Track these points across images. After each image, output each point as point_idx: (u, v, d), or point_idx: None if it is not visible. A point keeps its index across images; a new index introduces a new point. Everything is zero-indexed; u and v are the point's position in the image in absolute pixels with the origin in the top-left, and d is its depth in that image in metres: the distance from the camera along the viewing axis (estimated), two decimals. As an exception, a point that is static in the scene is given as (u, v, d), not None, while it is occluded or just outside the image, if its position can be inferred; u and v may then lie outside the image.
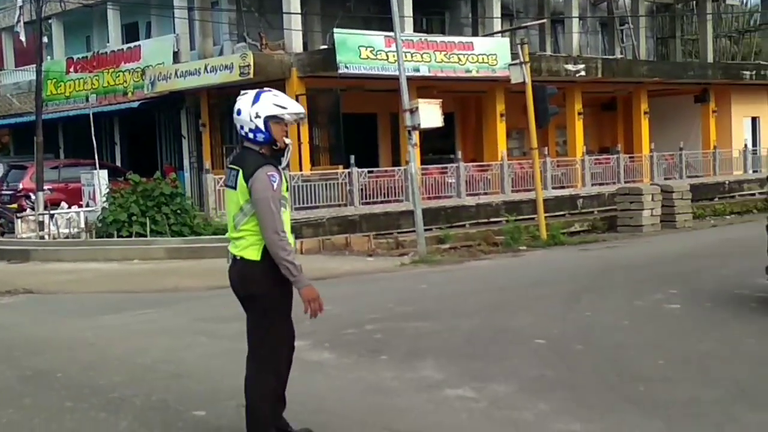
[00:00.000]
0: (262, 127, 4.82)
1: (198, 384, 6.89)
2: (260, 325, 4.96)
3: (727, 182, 28.75)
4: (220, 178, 19.21)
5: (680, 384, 6.66)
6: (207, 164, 21.45)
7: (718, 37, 33.86)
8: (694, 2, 33.87)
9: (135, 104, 24.94)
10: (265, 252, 4.81)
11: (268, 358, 4.97)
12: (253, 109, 4.82)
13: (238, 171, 4.84)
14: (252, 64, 20.38)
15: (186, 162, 25.35)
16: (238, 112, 4.88)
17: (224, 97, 23.68)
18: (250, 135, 4.86)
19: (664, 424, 5.69)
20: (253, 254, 4.84)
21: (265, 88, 5.01)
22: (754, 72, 30.76)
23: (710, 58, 31.35)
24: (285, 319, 5.01)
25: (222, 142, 24.33)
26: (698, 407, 6.02)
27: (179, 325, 9.68)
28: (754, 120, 32.68)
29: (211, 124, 24.39)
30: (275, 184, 4.75)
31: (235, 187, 4.85)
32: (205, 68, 21.99)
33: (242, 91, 5.01)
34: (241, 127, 4.88)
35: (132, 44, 26.26)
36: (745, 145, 31.10)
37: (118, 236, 17.81)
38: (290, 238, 4.92)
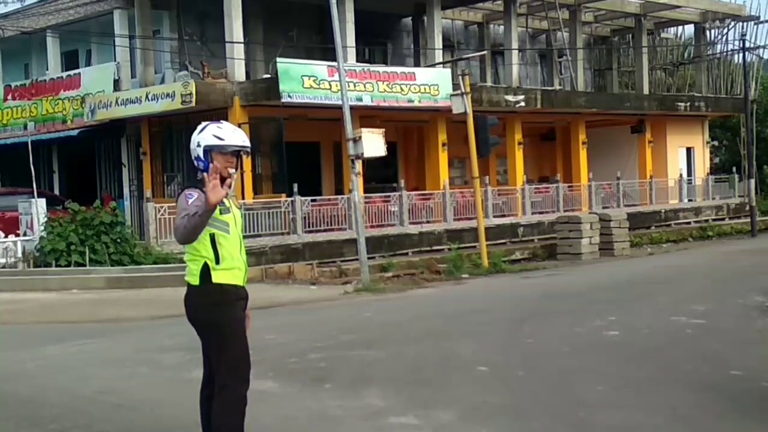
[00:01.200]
0: (201, 156, 4.97)
1: (139, 414, 6.81)
2: (216, 347, 5.00)
3: (663, 211, 29.37)
4: (161, 207, 19.07)
5: (619, 410, 6.78)
6: (148, 193, 21.26)
7: (653, 69, 34.67)
8: (630, 35, 34.70)
9: (74, 132, 24.62)
10: (202, 277, 4.89)
11: (227, 382, 4.97)
12: (195, 138, 5.01)
13: None
14: (194, 92, 20.31)
15: (126, 190, 25.08)
16: (191, 142, 5.04)
17: (166, 125, 23.58)
18: (195, 163, 5.02)
19: (604, 448, 5.79)
20: (193, 279, 4.94)
21: (218, 121, 5.14)
22: (688, 103, 31.55)
23: (646, 90, 32.08)
24: (238, 340, 5.01)
25: (163, 171, 24.15)
26: (637, 432, 6.14)
27: (120, 356, 9.55)
28: (688, 150, 33.49)
29: (152, 152, 24.19)
30: (190, 200, 4.78)
31: None
32: (147, 96, 21.85)
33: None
34: (195, 158, 5.03)
35: (72, 72, 25.96)
36: (681, 175, 31.83)
37: (57, 266, 17.51)
38: (242, 264, 5.01)
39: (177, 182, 23.36)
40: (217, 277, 4.89)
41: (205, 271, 4.88)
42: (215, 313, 4.90)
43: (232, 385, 4.96)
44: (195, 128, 5.08)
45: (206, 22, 24.06)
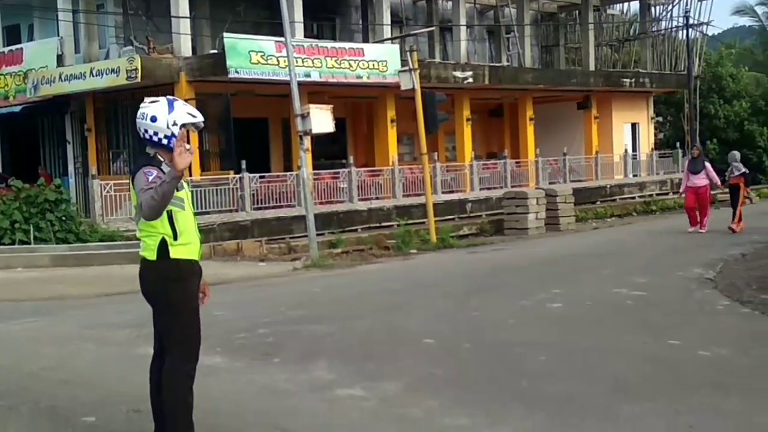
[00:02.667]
0: (177, 134, 4.96)
1: (87, 390, 6.81)
2: (164, 323, 5.05)
3: (608, 186, 29.81)
4: (107, 184, 18.86)
5: (562, 379, 6.95)
6: (93, 170, 21.02)
7: (599, 45, 35.03)
8: (577, 12, 35.00)
9: (17, 108, 24.18)
10: (160, 252, 4.94)
11: (180, 354, 5.03)
12: (170, 117, 4.96)
13: (132, 175, 4.98)
14: (139, 67, 20.07)
15: (71, 167, 24.73)
16: (153, 119, 4.96)
17: (111, 101, 23.25)
18: (164, 141, 4.96)
19: (547, 417, 5.94)
20: (150, 254, 4.98)
21: (169, 96, 5.13)
22: (633, 80, 31.99)
23: (592, 66, 32.42)
24: (190, 315, 5.06)
25: (108, 147, 23.84)
26: (579, 401, 6.31)
27: (67, 333, 9.49)
28: (633, 126, 33.99)
29: (96, 128, 23.86)
30: (150, 177, 4.82)
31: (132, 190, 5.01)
32: (91, 72, 21.53)
33: (148, 99, 5.10)
34: (155, 134, 4.97)
35: (14, 47, 25.43)
36: (626, 150, 32.30)
37: (1, 244, 17.25)
38: (197, 239, 5.11)
39: (123, 159, 23.11)
40: (175, 252, 4.95)
41: (163, 247, 4.93)
42: (171, 287, 4.97)
43: (182, 359, 5.02)
44: (140, 104, 5.05)
45: (151, -4, 23.74)
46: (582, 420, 5.87)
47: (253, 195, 20.46)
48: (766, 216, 17.17)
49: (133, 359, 7.42)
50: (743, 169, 19.33)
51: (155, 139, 4.97)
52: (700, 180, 18.79)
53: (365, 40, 26.98)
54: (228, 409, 6.16)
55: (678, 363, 7.40)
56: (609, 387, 6.64)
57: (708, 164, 19.16)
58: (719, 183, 19.66)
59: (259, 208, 20.49)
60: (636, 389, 6.57)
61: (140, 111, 5.01)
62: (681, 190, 20.24)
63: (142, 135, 5.02)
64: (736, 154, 19.92)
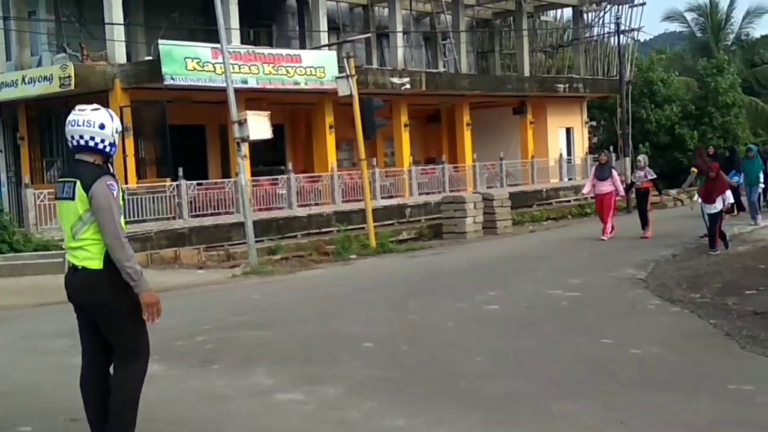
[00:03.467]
0: (118, 141, 5.08)
1: (23, 400, 6.74)
2: (113, 330, 5.05)
3: (544, 190, 30.24)
4: (41, 193, 18.56)
5: (498, 379, 7.10)
6: (26, 179, 20.66)
7: (534, 51, 35.50)
8: (511, 18, 35.44)
9: (-54, 116, 23.64)
10: (107, 260, 4.94)
11: (131, 359, 5.07)
12: (114, 125, 5.05)
13: (75, 182, 4.95)
14: (73, 75, 19.79)
15: (3, 177, 24.26)
16: (102, 126, 5.00)
17: (44, 109, 22.89)
18: (107, 148, 5.03)
19: (483, 416, 6.06)
20: (95, 264, 4.96)
21: (97, 105, 5.16)
22: (567, 85, 32.50)
23: (527, 72, 32.85)
24: (140, 318, 5.07)
25: (42, 156, 23.46)
26: (514, 400, 6.45)
27: (1, 344, 9.36)
28: (568, 130, 34.53)
29: (29, 137, 23.47)
30: (115, 193, 4.93)
31: (73, 198, 4.94)
32: (23, 79, 21.16)
33: (81, 106, 5.10)
34: (102, 141, 5.00)
35: (-58, 53, 24.88)
36: (561, 155, 32.81)
37: (-69, 255, 16.87)
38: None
39: (57, 167, 22.75)
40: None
41: (108, 254, 4.93)
42: (120, 294, 4.96)
43: (139, 361, 5.08)
44: (75, 111, 5.05)
45: (84, 3, 23.41)
46: (517, 418, 6.01)
47: (191, 202, 20.31)
48: (693, 219, 17.53)
49: (69, 368, 7.32)
50: (653, 175, 18.91)
51: (100, 146, 5.01)
52: (606, 186, 18.52)
53: (302, 47, 26.98)
54: (165, 416, 6.15)
55: (610, 361, 7.60)
56: (543, 386, 6.80)
57: (614, 171, 18.99)
58: (622, 193, 19.69)
59: (197, 216, 20.35)
60: (569, 387, 6.74)
61: (83, 118, 4.99)
62: (584, 192, 20.07)
63: (83, 142, 4.99)
64: (643, 158, 19.68)
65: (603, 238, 18.25)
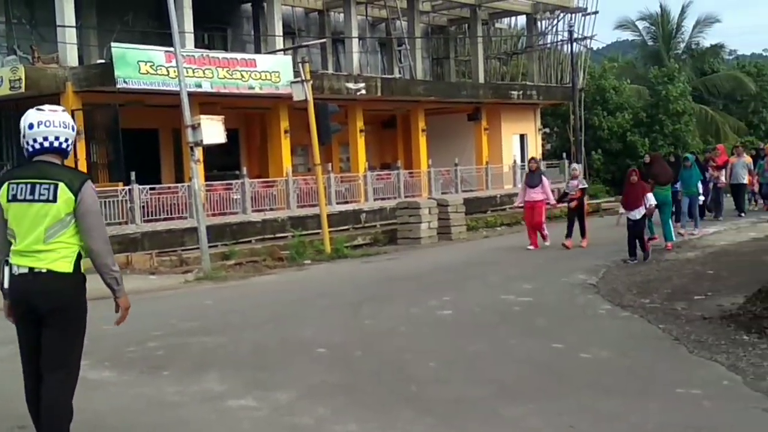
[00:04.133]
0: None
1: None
2: (68, 336, 4.96)
3: (498, 196, 30.43)
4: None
5: (450, 384, 7.14)
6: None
7: (488, 58, 35.76)
8: (466, 25, 35.69)
9: None
10: (77, 264, 4.91)
11: (75, 367, 5.03)
12: (71, 122, 5.04)
13: (56, 184, 4.85)
14: (23, 77, 19.50)
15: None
16: (73, 128, 5.02)
17: (-6, 111, 22.50)
18: (69, 148, 5.02)
19: (435, 420, 6.10)
20: (65, 266, 4.88)
21: (56, 105, 5.14)
22: (521, 92, 32.78)
23: (482, 79, 33.07)
24: (84, 331, 5.06)
25: (-8, 159, 23.07)
26: (466, 404, 6.50)
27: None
28: (522, 137, 34.79)
29: (-22, 140, 23.06)
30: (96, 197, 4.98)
31: (54, 200, 4.84)
32: (-28, 81, 20.80)
33: (46, 106, 5.06)
34: (66, 140, 4.97)
35: None
36: (515, 161, 33.05)
37: None
38: None
39: (6, 170, 22.34)
40: (83, 264, 4.99)
41: (78, 259, 4.92)
42: (82, 300, 5.00)
43: (74, 371, 5.03)
44: (32, 112, 4.99)
45: (35, 4, 23.09)
46: (467, 422, 6.05)
47: (144, 207, 20.11)
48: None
49: (16, 375, 7.23)
50: (585, 184, 18.58)
51: (68, 147, 5.00)
52: (537, 194, 18.19)
53: (257, 51, 26.89)
54: (115, 423, 6.10)
55: (560, 365, 7.69)
56: (494, 390, 6.86)
57: (545, 179, 18.66)
58: (553, 201, 19.03)
59: (150, 221, 20.14)
60: (520, 391, 6.81)
61: (58, 119, 4.94)
62: (517, 203, 19.82)
63: (57, 144, 4.92)
64: (577, 167, 19.46)
65: (529, 248, 17.96)
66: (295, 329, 9.75)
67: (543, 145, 37.05)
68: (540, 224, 18.29)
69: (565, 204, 18.83)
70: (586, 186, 18.60)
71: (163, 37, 20.66)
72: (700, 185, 19.63)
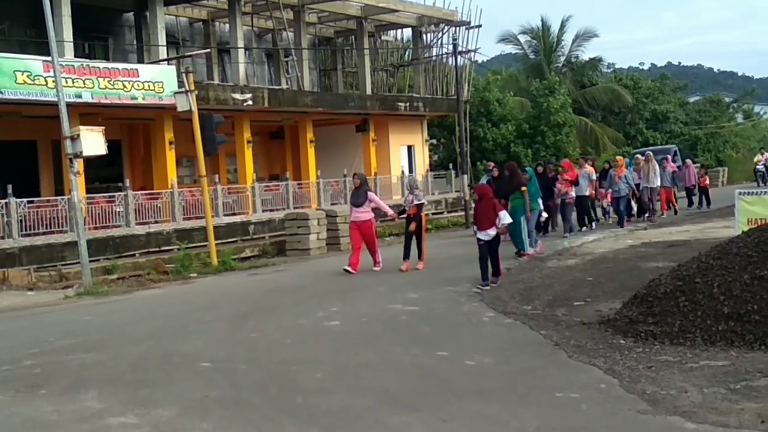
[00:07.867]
0: None
1: None
2: None
3: (389, 206, 30.60)
4: None
5: (336, 394, 7.13)
6: None
7: (375, 70, 36.01)
8: (353, 37, 35.86)
9: None
10: None
11: None
12: None
13: None
14: None
15: None
16: None
17: None
18: None
19: (318, 431, 6.07)
20: None
21: None
22: (408, 104, 33.14)
23: (369, 90, 33.25)
24: None
25: None
26: (351, 414, 6.50)
27: None
28: (410, 148, 35.18)
29: None
30: None
31: None
32: None
33: None
34: None
35: None
36: (402, 172, 33.34)
37: None
38: None
39: None
40: None
41: None
42: None
43: None
44: None
45: None
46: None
47: (21, 221, 19.40)
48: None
49: None
50: (421, 200, 16.55)
51: None
52: (363, 214, 16.34)
53: (140, 61, 26.34)
54: (-13, 446, 5.86)
55: (445, 373, 7.78)
56: (379, 399, 6.89)
57: (371, 194, 16.78)
58: (391, 213, 17.36)
59: (28, 235, 19.44)
60: (405, 400, 6.86)
61: None
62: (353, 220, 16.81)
63: None
64: (415, 179, 18.11)
65: (347, 268, 15.85)
66: (178, 344, 9.57)
67: (430, 156, 37.56)
68: (373, 244, 16.52)
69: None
70: (424, 202, 16.67)
71: (42, 47, 20.01)
72: (540, 201, 18.21)
